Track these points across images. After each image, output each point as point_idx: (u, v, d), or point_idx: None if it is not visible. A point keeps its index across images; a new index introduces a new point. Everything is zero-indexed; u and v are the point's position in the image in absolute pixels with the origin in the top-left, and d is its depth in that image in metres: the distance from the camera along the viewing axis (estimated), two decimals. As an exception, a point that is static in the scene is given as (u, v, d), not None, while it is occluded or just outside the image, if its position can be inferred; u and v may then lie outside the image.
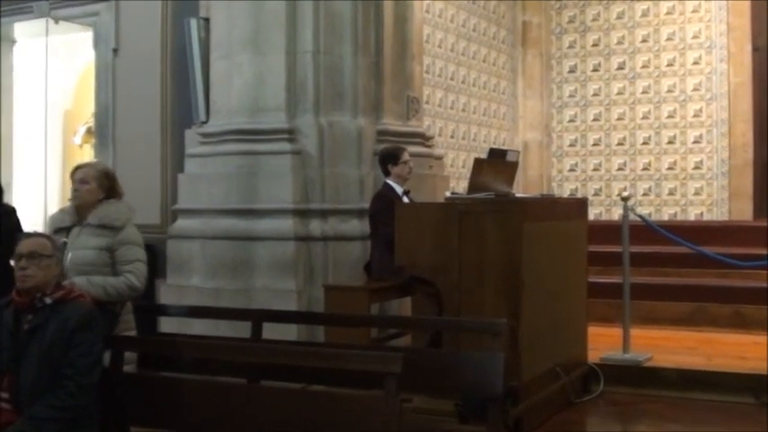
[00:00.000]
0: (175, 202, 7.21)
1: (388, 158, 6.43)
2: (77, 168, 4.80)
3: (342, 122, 6.77)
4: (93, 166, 4.89)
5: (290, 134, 6.69)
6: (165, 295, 6.88)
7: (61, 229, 4.74)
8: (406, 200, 6.37)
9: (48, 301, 3.79)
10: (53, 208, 10.06)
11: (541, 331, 5.40)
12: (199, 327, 6.09)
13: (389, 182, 6.40)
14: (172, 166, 7.57)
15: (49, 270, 3.83)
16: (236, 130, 6.76)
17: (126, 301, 4.66)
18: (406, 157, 6.46)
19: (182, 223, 7.00)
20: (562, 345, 5.74)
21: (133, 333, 4.69)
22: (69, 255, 4.57)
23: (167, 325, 6.37)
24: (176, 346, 4.25)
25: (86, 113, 10.10)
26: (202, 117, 7.16)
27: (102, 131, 7.98)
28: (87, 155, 10.20)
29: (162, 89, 7.68)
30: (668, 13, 11.65)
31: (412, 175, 6.54)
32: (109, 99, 7.87)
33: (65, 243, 4.60)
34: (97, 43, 8.04)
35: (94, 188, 4.72)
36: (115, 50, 7.85)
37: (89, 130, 10.18)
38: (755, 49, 10.98)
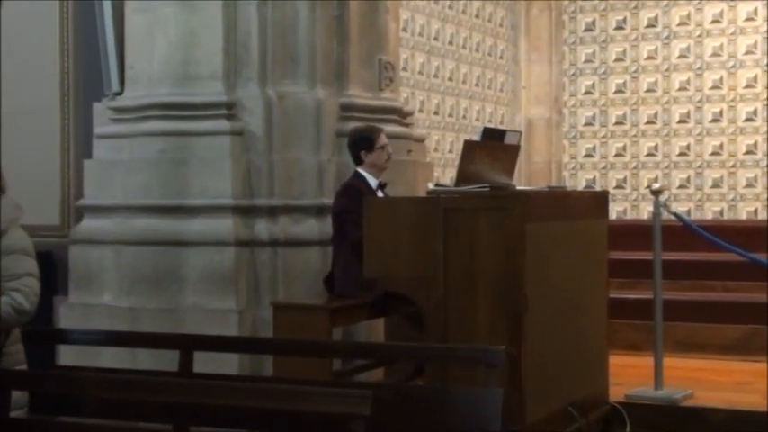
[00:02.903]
0: (81, 197, 7.18)
1: (361, 143, 6.44)
2: None
3: (295, 94, 6.77)
4: None
5: (230, 109, 6.68)
6: (67, 317, 6.85)
7: None
8: (380, 195, 6.38)
9: None
10: None
11: (550, 361, 5.43)
12: (111, 357, 6.06)
13: (361, 171, 6.42)
14: (75, 151, 7.53)
15: None
16: (160, 103, 6.74)
17: (12, 327, 4.62)
18: (383, 140, 6.47)
19: (89, 224, 6.97)
20: (577, 378, 5.78)
21: (24, 367, 4.66)
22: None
23: (69, 355, 6.33)
24: (80, 382, 4.23)
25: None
26: (115, 87, 7.13)
27: (-18, 105, 7.93)
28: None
29: (62, 50, 7.64)
30: (712, -45, 11.73)
31: (391, 163, 6.56)
32: (-8, 63, 7.83)
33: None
34: (-24, -10, 7.99)
35: None
36: (0, -1, 7.81)
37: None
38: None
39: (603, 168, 12.28)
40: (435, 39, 10.87)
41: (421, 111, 10.58)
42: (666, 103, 11.94)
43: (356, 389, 4.28)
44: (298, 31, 6.78)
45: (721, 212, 11.66)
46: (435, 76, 10.88)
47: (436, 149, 10.85)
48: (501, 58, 12.09)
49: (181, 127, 6.68)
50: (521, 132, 6.96)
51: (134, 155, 6.77)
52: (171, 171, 6.64)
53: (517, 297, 5.18)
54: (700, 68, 11.79)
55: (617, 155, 12.20)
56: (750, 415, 6.14)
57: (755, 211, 11.53)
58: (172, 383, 4.24)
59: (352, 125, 6.77)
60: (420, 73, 10.64)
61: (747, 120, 11.60)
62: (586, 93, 12.34)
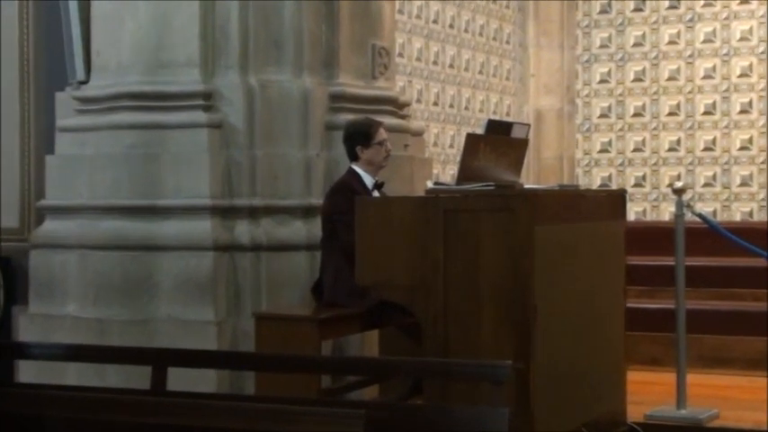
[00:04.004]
0: (42, 197, 7.18)
1: (357, 137, 6.45)
2: None
3: (280, 83, 6.78)
4: None
5: (207, 99, 6.68)
6: (27, 329, 6.85)
7: None
8: (376, 194, 6.38)
9: None
10: None
11: (562, 377, 5.44)
12: (76, 374, 6.06)
13: (356, 168, 6.43)
14: (36, 145, 7.53)
15: None
16: (130, 93, 6.75)
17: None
18: (382, 135, 6.48)
19: (51, 226, 6.97)
20: (591, 396, 5.79)
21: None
22: None
23: (30, 372, 6.33)
24: (42, 402, 4.23)
25: None
26: (81, 75, 7.13)
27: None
28: None
29: (21, 34, 7.63)
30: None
31: (389, 161, 6.57)
32: (-57, 48, 7.83)
33: None
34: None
35: None
36: (-48, -22, 7.82)
37: None
38: None
39: (620, 165, 12.30)
40: (434, 21, 10.88)
41: (419, 101, 10.59)
42: (690, 92, 11.96)
43: (348, 408, 4.29)
44: (282, 13, 6.78)
45: (750, 213, 11.67)
46: (435, 62, 10.89)
47: (435, 144, 10.86)
48: (507, 42, 12.10)
49: (153, 119, 6.68)
50: (529, 125, 6.97)
51: (101, 150, 6.77)
52: (142, 168, 6.64)
53: (525, 307, 5.19)
54: (727, 54, 11.81)
55: (635, 150, 12.22)
56: (782, 437, 6.17)
57: (789, 211, 11.55)
58: (143, 403, 4.24)
59: (343, 117, 6.78)
60: (418, 59, 10.65)
61: (779, 111, 11.62)
62: (601, 81, 12.36)
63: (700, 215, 6.84)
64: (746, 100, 11.70)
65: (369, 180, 6.41)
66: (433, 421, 4.35)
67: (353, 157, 6.45)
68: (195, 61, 6.71)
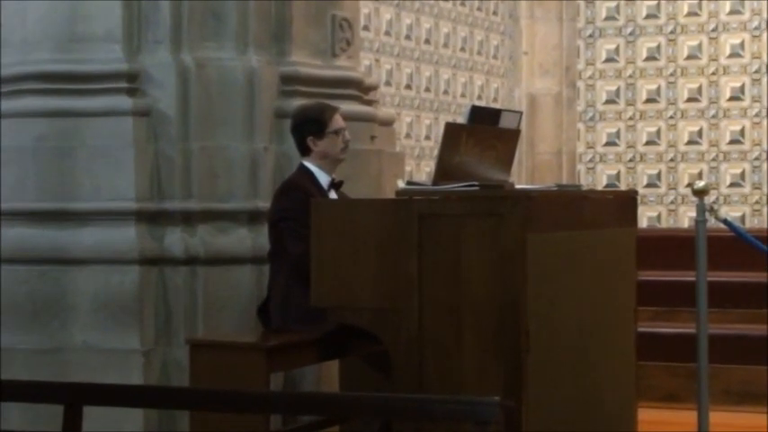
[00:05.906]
0: (-69, 199, 7.15)
1: (308, 126, 6.44)
2: None
3: (220, 61, 6.77)
4: None
5: (132, 81, 6.67)
6: None
7: None
8: (334, 196, 6.38)
9: None
10: None
11: (559, 417, 5.46)
12: (-28, 414, 6.04)
13: (308, 165, 6.43)
14: (-76, 137, 7.50)
15: None
16: (37, 73, 6.73)
17: None
18: (338, 122, 6.48)
19: (-58, 235, 6.95)
20: (595, 440, 5.81)
21: None
22: None
23: None
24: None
25: None
26: (-23, 52, 7.12)
27: None
28: None
29: None
30: None
31: (347, 153, 6.56)
32: None
33: None
34: None
35: None
36: None
37: None
38: None
39: (631, 161, 12.35)
40: (407, -12, 10.91)
41: (388, 83, 10.60)
42: (713, 74, 12.01)
43: (301, 455, 4.29)
44: (223, -22, 6.80)
45: (786, 219, 11.74)
46: (407, 37, 10.91)
47: (408, 135, 10.88)
48: (495, 13, 12.13)
49: (66, 105, 6.67)
50: (521, 113, 6.99)
51: (2, 142, 6.75)
52: (53, 164, 6.63)
53: (516, 332, 5.20)
54: (757, 28, 11.87)
55: (648, 143, 12.27)
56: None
57: (832, 217, 11.62)
58: (53, 449, 4.24)
59: (296, 102, 6.77)
60: (387, 33, 10.66)
61: (820, 96, 11.69)
62: (608, 60, 12.41)
63: (725, 221, 6.87)
64: (782, 83, 11.78)
65: (324, 178, 6.40)
66: (404, 470, 4.36)
67: (304, 151, 6.44)
68: (117, 35, 6.70)
